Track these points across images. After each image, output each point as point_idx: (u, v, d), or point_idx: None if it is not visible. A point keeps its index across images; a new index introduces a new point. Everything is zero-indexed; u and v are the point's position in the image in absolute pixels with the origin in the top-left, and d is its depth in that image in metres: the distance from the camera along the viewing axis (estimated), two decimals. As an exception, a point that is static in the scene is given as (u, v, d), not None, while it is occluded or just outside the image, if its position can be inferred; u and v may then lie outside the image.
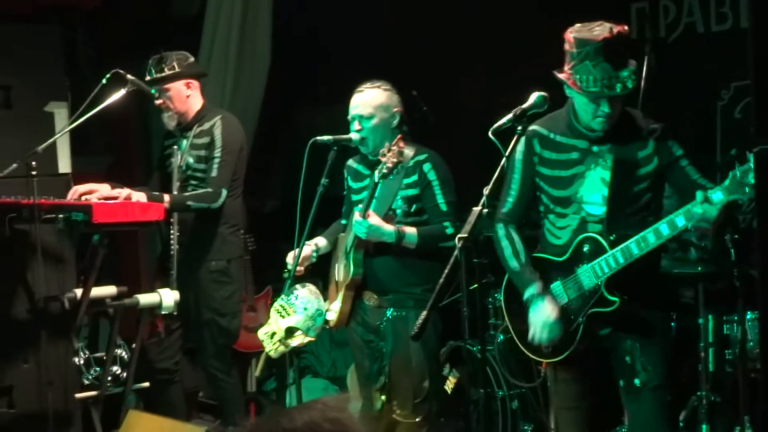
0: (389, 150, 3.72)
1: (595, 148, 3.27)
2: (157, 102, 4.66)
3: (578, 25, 3.20)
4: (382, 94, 4.01)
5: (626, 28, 3.21)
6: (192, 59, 4.77)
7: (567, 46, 3.19)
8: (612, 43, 3.09)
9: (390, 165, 3.71)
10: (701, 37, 5.18)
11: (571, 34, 3.18)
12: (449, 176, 3.99)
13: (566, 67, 3.20)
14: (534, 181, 3.40)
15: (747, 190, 2.91)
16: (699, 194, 3.02)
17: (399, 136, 3.79)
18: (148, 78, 4.62)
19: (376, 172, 3.77)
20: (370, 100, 3.99)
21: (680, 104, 5.09)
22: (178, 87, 4.65)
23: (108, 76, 4.39)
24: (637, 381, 3.27)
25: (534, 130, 3.37)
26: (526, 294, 3.34)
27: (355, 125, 4.00)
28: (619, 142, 3.25)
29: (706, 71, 5.11)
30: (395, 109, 4.02)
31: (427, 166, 3.94)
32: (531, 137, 3.37)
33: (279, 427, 1.36)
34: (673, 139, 3.25)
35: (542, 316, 3.28)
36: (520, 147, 3.37)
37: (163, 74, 4.62)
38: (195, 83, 4.72)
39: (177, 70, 4.64)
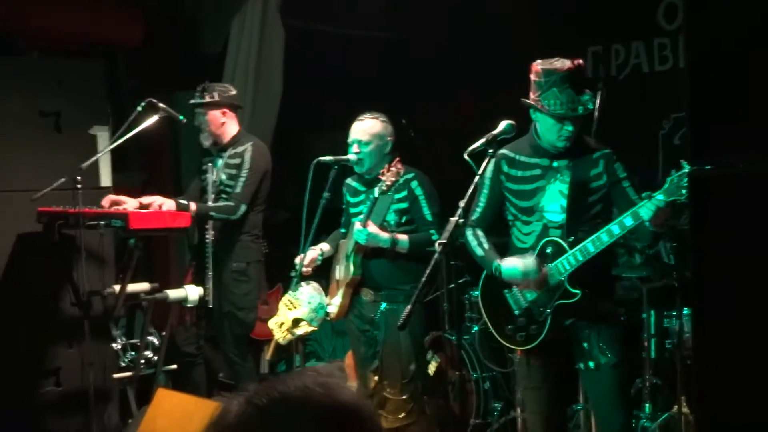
0: (389, 170, 3.74)
1: (555, 164, 3.29)
2: (197, 123, 4.66)
3: (541, 60, 3.24)
4: (379, 124, 4.03)
5: (581, 61, 3.26)
6: (233, 92, 4.76)
7: (534, 77, 3.22)
8: (574, 73, 3.16)
9: (389, 183, 3.73)
10: (646, 76, 5.22)
11: (538, 66, 3.22)
12: (434, 191, 4.01)
13: (533, 95, 3.23)
14: (500, 195, 3.42)
15: (683, 192, 2.94)
16: (645, 198, 3.05)
17: (397, 158, 3.80)
18: (192, 101, 4.63)
19: (376, 188, 3.79)
20: (369, 128, 4.01)
21: (628, 132, 5.11)
22: (214, 113, 4.65)
23: (143, 104, 4.39)
24: (592, 363, 3.29)
25: (502, 153, 3.40)
26: (493, 265, 3.34)
27: (354, 148, 4.01)
28: (575, 161, 3.28)
29: (650, 104, 5.14)
30: (389, 138, 4.05)
31: (414, 183, 3.96)
32: (499, 159, 3.40)
33: (275, 391, 1.35)
34: (619, 162, 3.28)
35: (514, 268, 3.27)
36: (490, 167, 3.39)
37: (203, 101, 4.63)
38: (230, 112, 4.71)
39: (215, 99, 4.64)
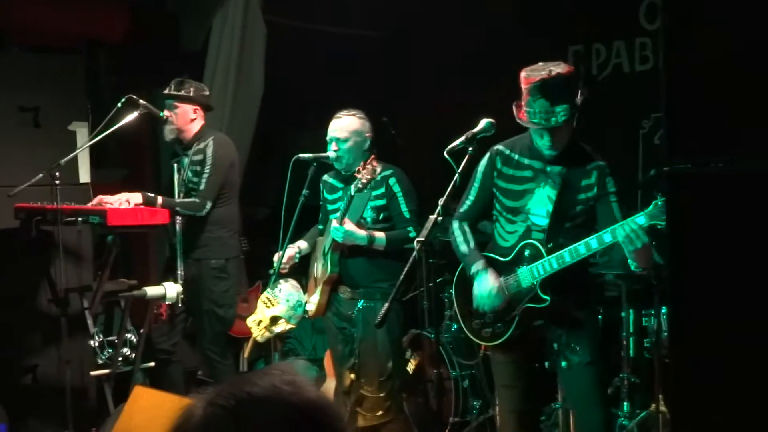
0: (364, 167, 3.70)
1: (548, 168, 3.25)
2: (165, 113, 4.61)
3: (533, 65, 3.18)
4: (357, 121, 4.00)
5: (570, 69, 3.18)
6: (207, 92, 4.74)
7: (521, 83, 3.19)
8: (548, 83, 3.08)
9: (365, 180, 3.69)
10: (627, 76, 5.22)
11: (522, 73, 3.18)
12: (412, 188, 3.98)
13: (522, 102, 3.19)
14: (491, 190, 3.38)
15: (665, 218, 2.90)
16: (627, 219, 3.02)
17: (372, 156, 3.77)
18: (165, 92, 4.58)
19: (352, 186, 3.75)
20: (346, 125, 3.98)
21: (609, 132, 5.11)
22: (186, 108, 4.61)
23: (123, 100, 4.35)
24: (564, 363, 3.26)
25: (498, 149, 3.36)
26: (473, 269, 3.31)
27: (333, 146, 3.98)
28: (567, 168, 3.24)
29: (630, 104, 5.14)
30: (367, 134, 4.01)
31: (392, 180, 3.93)
32: (494, 154, 3.36)
33: (242, 391, 1.30)
34: (611, 176, 3.23)
35: (485, 286, 3.26)
36: (484, 161, 3.37)
37: (179, 93, 4.59)
38: (201, 112, 4.68)
39: (191, 95, 4.61)
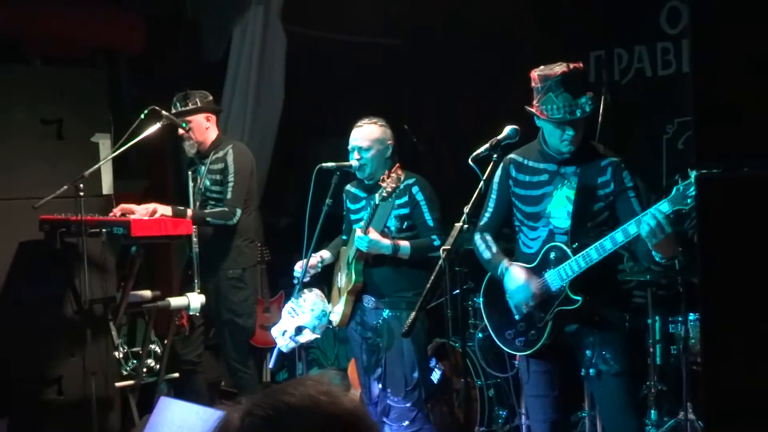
0: (389, 176, 3.70)
1: (562, 170, 3.26)
2: (181, 132, 4.65)
3: (541, 66, 3.23)
4: (378, 129, 4.01)
5: (581, 64, 3.23)
6: (210, 97, 4.78)
7: (533, 84, 3.22)
8: (569, 76, 3.13)
9: (389, 189, 3.69)
10: (649, 80, 5.19)
11: (535, 73, 3.21)
12: (435, 196, 3.98)
13: (534, 102, 3.21)
14: (509, 200, 3.39)
15: (689, 201, 2.89)
16: (650, 208, 3.01)
17: (397, 164, 3.77)
18: (173, 111, 4.62)
19: (377, 195, 3.75)
20: (368, 134, 3.99)
21: (632, 137, 5.09)
22: (199, 120, 4.66)
23: (145, 111, 4.39)
24: (593, 371, 3.24)
25: (510, 158, 3.38)
26: (499, 269, 3.31)
27: (355, 155, 3.99)
28: (582, 167, 3.24)
29: (653, 109, 5.11)
30: (389, 142, 4.02)
31: (415, 189, 3.93)
32: (508, 164, 3.38)
33: (280, 402, 1.31)
34: (627, 170, 3.23)
35: (516, 281, 3.26)
36: (499, 172, 3.38)
37: (188, 108, 4.63)
38: (213, 117, 4.74)
39: (199, 105, 4.66)
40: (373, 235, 3.83)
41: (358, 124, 4.03)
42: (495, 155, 3.21)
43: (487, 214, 3.46)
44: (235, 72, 5.73)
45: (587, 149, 3.27)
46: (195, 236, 4.53)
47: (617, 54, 5.35)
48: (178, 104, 4.66)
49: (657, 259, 3.09)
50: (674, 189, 2.96)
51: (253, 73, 5.70)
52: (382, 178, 3.74)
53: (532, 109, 3.21)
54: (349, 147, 4.02)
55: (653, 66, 5.19)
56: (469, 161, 3.17)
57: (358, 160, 3.98)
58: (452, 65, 5.89)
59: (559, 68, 3.14)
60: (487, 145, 3.22)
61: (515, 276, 3.27)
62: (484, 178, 3.17)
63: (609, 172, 3.23)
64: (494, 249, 3.40)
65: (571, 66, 3.15)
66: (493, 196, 3.43)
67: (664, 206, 2.97)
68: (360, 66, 5.95)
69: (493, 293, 3.43)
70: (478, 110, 5.49)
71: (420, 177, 4.00)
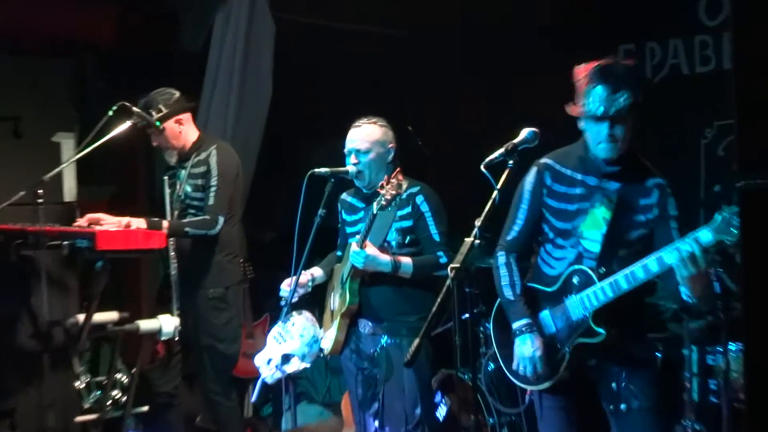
0: (388, 182, 3.70)
1: (604, 184, 3.24)
2: (154, 143, 4.66)
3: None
4: (378, 129, 4.02)
5: (632, 61, 3.25)
6: (177, 94, 4.73)
7: (575, 79, 3.22)
8: (608, 69, 3.13)
9: (389, 197, 3.68)
10: (686, 78, 5.21)
11: (577, 67, 3.23)
12: (441, 207, 3.98)
13: (576, 101, 3.22)
14: (540, 212, 3.38)
15: (734, 231, 2.87)
16: (688, 235, 3.00)
17: (398, 169, 3.77)
18: (138, 122, 4.54)
19: (375, 203, 3.75)
20: (367, 135, 4.00)
21: (665, 142, 5.10)
22: (170, 126, 4.66)
23: (114, 108, 4.38)
24: (623, 406, 3.23)
25: (546, 164, 3.37)
26: (516, 325, 3.32)
27: (352, 159, 4.00)
28: (625, 185, 3.23)
29: (690, 111, 5.13)
30: (390, 145, 4.03)
31: (419, 198, 3.94)
32: (542, 170, 3.36)
33: None
34: (673, 197, 3.22)
35: (528, 350, 3.27)
36: (530, 178, 3.37)
37: (151, 119, 4.59)
38: (186, 117, 4.73)
39: (164, 111, 4.64)
40: (371, 249, 3.83)
41: (356, 123, 4.04)
42: (511, 161, 3.19)
43: (516, 228, 3.44)
44: (216, 64, 5.74)
45: (633, 164, 3.25)
46: (172, 250, 4.52)
47: (649, 48, 5.37)
48: (141, 111, 4.59)
49: (683, 296, 3.07)
50: (717, 216, 2.93)
51: (237, 65, 5.70)
52: (380, 184, 3.74)
53: (571, 109, 3.20)
54: (346, 150, 4.03)
55: (690, 62, 5.21)
56: (482, 168, 3.15)
57: (355, 164, 3.98)
58: (461, 58, 5.90)
59: (604, 60, 3.16)
60: (502, 150, 3.20)
61: (530, 347, 3.27)
62: (498, 187, 3.16)
63: (655, 195, 3.22)
64: (518, 290, 3.38)
65: (616, 60, 3.17)
66: (524, 206, 3.41)
67: (704, 235, 2.94)
68: (358, 58, 5.97)
69: (506, 321, 3.42)
70: (489, 110, 5.52)
71: (425, 185, 4.01)
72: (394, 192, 3.68)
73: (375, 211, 3.75)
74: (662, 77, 5.30)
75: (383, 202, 3.69)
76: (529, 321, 3.30)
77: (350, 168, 3.99)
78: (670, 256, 3.00)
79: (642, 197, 3.22)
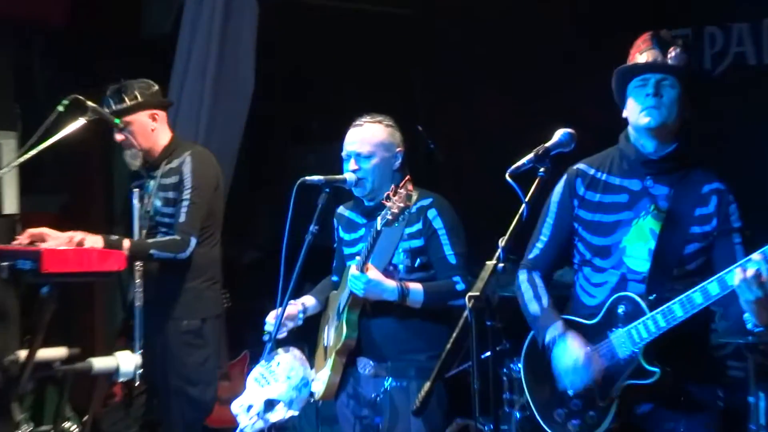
0: (395, 193, 3.68)
1: (651, 188, 3.25)
2: (118, 138, 4.67)
3: None
4: (384, 130, 4.02)
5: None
6: (156, 88, 4.80)
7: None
8: (663, 35, 3.24)
9: (396, 210, 3.66)
10: (753, 70, 5.22)
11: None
12: (458, 223, 3.98)
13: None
14: (570, 227, 3.40)
15: None
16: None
17: (407, 177, 3.77)
18: (106, 110, 4.61)
19: (379, 218, 3.73)
20: (370, 136, 4.00)
21: (728, 148, 5.10)
22: (141, 120, 4.68)
23: (65, 102, 4.39)
24: None
25: (577, 169, 3.40)
26: (548, 335, 3.31)
27: (351, 164, 3.99)
28: (677, 189, 3.24)
29: (758, 108, 5.13)
30: (398, 149, 4.03)
31: (432, 213, 3.93)
32: (573, 177, 3.39)
33: None
34: (736, 204, 3.22)
35: (569, 358, 3.25)
36: (559, 187, 3.40)
37: (124, 105, 4.63)
38: (161, 115, 4.76)
39: (140, 100, 4.67)
40: (373, 273, 3.82)
41: (357, 122, 4.04)
42: (542, 169, 3.19)
43: (539, 245, 3.46)
44: (187, 52, 5.76)
45: (686, 164, 3.27)
46: (139, 276, 4.52)
47: (709, 34, 5.39)
48: (111, 101, 4.67)
49: (749, 326, 3.06)
50: None
51: (213, 53, 5.73)
52: (386, 195, 3.73)
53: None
54: (344, 154, 4.03)
55: (758, 50, 5.22)
56: (507, 176, 3.15)
57: (355, 171, 3.97)
58: (479, 45, 5.91)
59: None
60: (531, 155, 3.19)
61: (571, 350, 3.25)
62: (527, 199, 3.15)
63: (713, 203, 3.22)
64: (545, 301, 3.39)
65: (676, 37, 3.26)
66: (550, 220, 3.43)
67: None
68: (359, 45, 5.98)
69: (538, 358, 3.41)
70: (516, 108, 5.51)
71: (438, 197, 4.00)
72: (402, 205, 3.66)
73: (379, 228, 3.74)
74: (724, 68, 5.31)
75: (389, 217, 3.68)
76: (562, 324, 3.30)
77: (348, 176, 3.99)
78: (733, 276, 2.99)
79: (698, 205, 3.22)
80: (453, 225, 3.96)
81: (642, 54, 3.22)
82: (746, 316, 3.04)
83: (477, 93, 5.98)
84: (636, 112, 3.23)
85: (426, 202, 3.95)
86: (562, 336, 3.28)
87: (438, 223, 3.93)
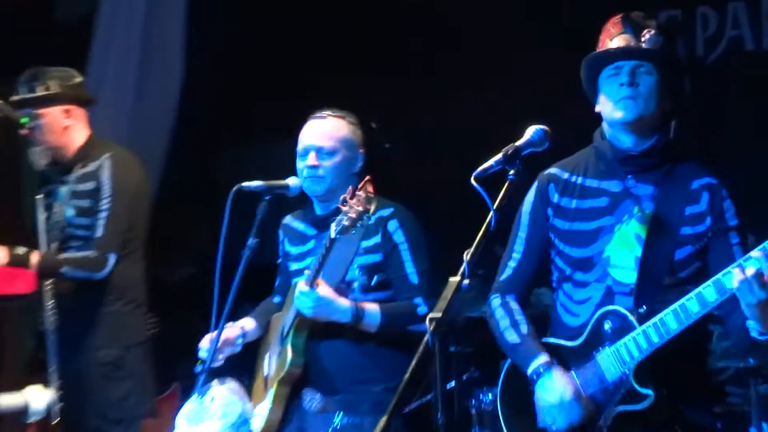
0: (353, 195, 3.65)
1: (632, 188, 3.28)
2: (24, 131, 4.64)
3: None
4: (347, 126, 4.03)
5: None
6: (79, 79, 4.79)
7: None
8: (635, 16, 3.28)
9: (353, 215, 3.61)
10: (751, 56, 5.27)
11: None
12: (421, 237, 3.99)
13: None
14: (545, 240, 3.41)
15: None
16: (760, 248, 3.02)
17: (368, 177, 3.74)
18: (15, 98, 4.60)
19: (333, 224, 3.69)
20: (334, 130, 4.00)
21: (723, 140, 5.15)
22: (53, 114, 4.67)
23: (-37, 98, 4.38)
24: None
25: (549, 174, 3.42)
26: (531, 367, 3.30)
27: (310, 159, 3.94)
28: (663, 187, 3.27)
29: (758, 99, 5.18)
30: (360, 150, 4.04)
31: (392, 225, 3.93)
32: (545, 183, 3.41)
33: None
34: (731, 199, 3.25)
35: (555, 393, 3.25)
36: (530, 196, 3.42)
37: (35, 95, 4.63)
38: (79, 111, 4.74)
39: (54, 90, 4.66)
40: (324, 290, 3.80)
41: (319, 114, 4.03)
42: (512, 171, 3.20)
43: (512, 264, 3.46)
44: (106, 38, 5.74)
45: (672, 157, 3.30)
46: (50, 297, 4.49)
47: (701, 15, 5.43)
48: (21, 88, 4.66)
49: (753, 334, 3.09)
50: None
51: (136, 36, 5.71)
52: (342, 197, 3.69)
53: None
54: (300, 148, 3.99)
55: (756, 34, 5.27)
56: (472, 180, 3.16)
57: (313, 167, 3.93)
58: (448, 29, 5.93)
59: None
60: (499, 156, 3.19)
61: (557, 386, 3.25)
62: (495, 206, 3.17)
63: (704, 199, 3.24)
64: (524, 328, 3.38)
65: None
66: (522, 234, 3.44)
67: None
68: (312, 26, 5.98)
69: (516, 387, 3.41)
70: (483, 101, 5.54)
71: (400, 206, 4.00)
72: (360, 209, 3.61)
73: (333, 235, 3.70)
74: (718, 54, 5.36)
75: (345, 223, 3.64)
76: (546, 356, 3.30)
77: (291, 181, 3.98)
78: (732, 277, 3.01)
79: (687, 203, 3.25)
80: (416, 239, 3.96)
81: (612, 39, 3.26)
82: (749, 323, 3.07)
83: (442, 85, 6.00)
84: (609, 105, 3.26)
85: (386, 212, 3.94)
86: (548, 370, 3.28)
87: (399, 237, 3.93)
